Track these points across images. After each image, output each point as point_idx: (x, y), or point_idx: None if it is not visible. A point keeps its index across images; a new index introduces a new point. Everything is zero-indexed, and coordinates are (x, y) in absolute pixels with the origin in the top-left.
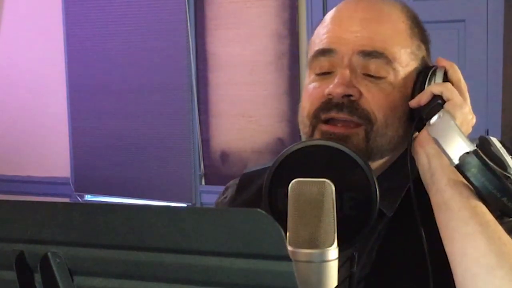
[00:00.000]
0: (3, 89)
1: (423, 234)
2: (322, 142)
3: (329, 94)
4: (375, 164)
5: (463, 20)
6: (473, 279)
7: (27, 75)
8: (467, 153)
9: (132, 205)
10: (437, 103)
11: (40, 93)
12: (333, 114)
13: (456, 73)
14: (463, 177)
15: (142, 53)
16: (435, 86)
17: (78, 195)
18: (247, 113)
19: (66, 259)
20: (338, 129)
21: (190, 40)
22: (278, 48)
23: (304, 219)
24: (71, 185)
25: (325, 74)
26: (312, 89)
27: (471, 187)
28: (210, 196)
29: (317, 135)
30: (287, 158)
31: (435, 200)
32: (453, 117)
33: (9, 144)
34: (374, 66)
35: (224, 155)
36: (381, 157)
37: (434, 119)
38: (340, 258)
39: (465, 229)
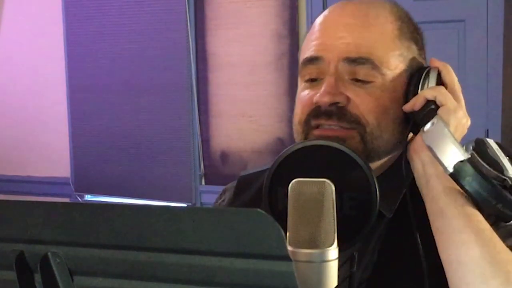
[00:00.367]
0: (3, 89)
1: (419, 239)
2: (322, 142)
3: (317, 103)
4: (373, 166)
5: (463, 20)
6: None
7: (27, 75)
8: (461, 161)
9: (132, 205)
10: (431, 109)
11: (40, 93)
12: (322, 121)
13: (449, 74)
14: (458, 185)
15: (142, 53)
16: (429, 91)
17: (78, 195)
18: (247, 113)
19: (66, 259)
20: (332, 132)
21: (190, 40)
22: (278, 48)
23: (304, 219)
24: (71, 185)
25: (314, 81)
26: (302, 96)
27: (466, 194)
28: (210, 196)
29: None
30: (287, 158)
31: (430, 207)
32: (447, 124)
33: (9, 144)
34: (361, 71)
35: (224, 155)
36: (379, 159)
37: (427, 126)
38: (340, 258)
39: (459, 237)
